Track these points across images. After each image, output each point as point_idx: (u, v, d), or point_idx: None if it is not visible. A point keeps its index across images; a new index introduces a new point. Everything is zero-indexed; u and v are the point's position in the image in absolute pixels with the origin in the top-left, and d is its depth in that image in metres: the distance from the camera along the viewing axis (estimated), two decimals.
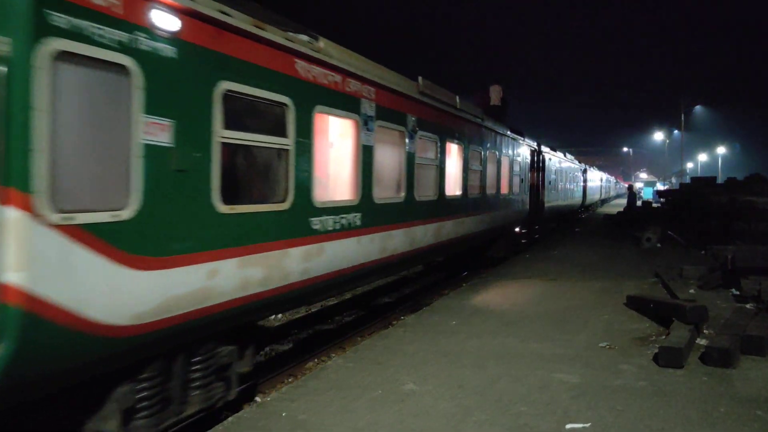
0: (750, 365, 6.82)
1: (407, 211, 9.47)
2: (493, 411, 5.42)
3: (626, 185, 60.21)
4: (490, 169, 14.64)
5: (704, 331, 8.07)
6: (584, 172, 41.11)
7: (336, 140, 8.21)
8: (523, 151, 18.92)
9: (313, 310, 11.90)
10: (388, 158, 9.09)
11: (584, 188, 40.81)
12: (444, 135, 11.21)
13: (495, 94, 21.96)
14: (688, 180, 42.09)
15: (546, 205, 23.30)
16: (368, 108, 8.14)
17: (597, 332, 8.26)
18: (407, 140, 9.51)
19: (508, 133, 17.09)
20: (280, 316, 11.06)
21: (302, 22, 7.03)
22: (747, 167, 51.65)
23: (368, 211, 8.03)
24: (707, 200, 20.13)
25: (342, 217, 7.34)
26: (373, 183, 8.28)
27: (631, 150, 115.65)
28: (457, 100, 12.18)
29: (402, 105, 9.28)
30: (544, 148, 23.19)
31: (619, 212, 32.72)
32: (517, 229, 18.96)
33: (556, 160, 26.46)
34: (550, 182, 24.31)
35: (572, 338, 7.93)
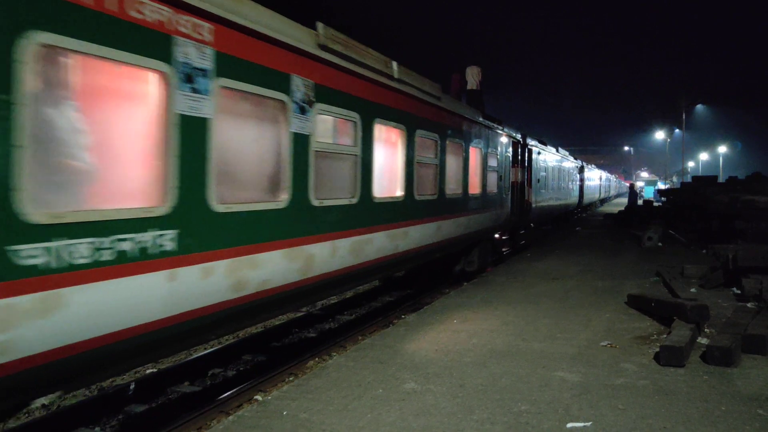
0: (751, 364, 6.81)
1: (298, 220, 6.60)
2: (495, 410, 5.42)
3: (627, 184, 60.07)
4: (452, 163, 11.78)
5: (705, 330, 8.06)
6: (581, 170, 38.39)
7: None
8: (502, 142, 15.95)
9: (314, 310, 11.91)
10: (246, 142, 6.22)
11: (581, 187, 38.14)
12: (369, 113, 8.27)
13: (473, 76, 18.14)
14: (689, 179, 42.09)
15: (534, 205, 20.94)
16: (193, 53, 5.06)
17: (598, 331, 8.26)
18: (292, 116, 6.47)
19: (480, 119, 13.87)
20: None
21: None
22: (748, 166, 51.70)
23: (195, 224, 5.07)
24: (708, 199, 20.10)
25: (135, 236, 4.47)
26: (201, 179, 5.19)
27: (632, 149, 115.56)
28: (395, 67, 9.17)
29: (281, 60, 6.29)
30: (530, 141, 20.17)
31: (620, 211, 32.69)
32: (497, 235, 16.53)
33: (546, 155, 23.67)
34: (538, 180, 21.71)
35: (573, 337, 7.93)
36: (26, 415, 6.73)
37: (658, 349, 6.94)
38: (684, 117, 57.58)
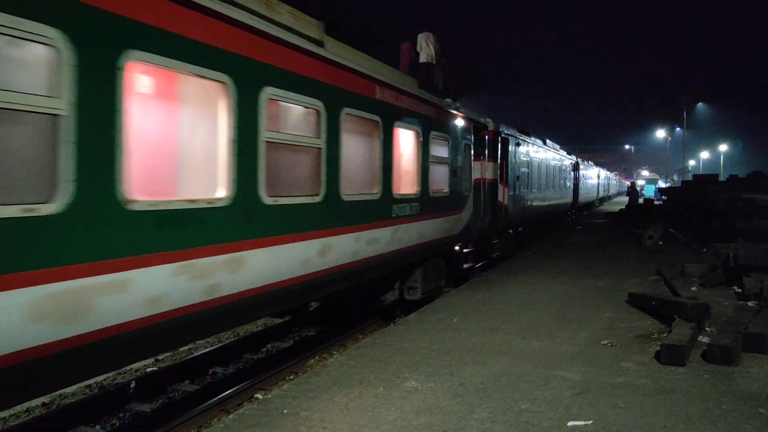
0: (752, 363, 6.81)
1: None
2: (495, 408, 5.42)
3: (628, 183, 59.97)
4: (356, 150, 8.35)
5: (706, 328, 8.06)
6: (575, 167, 34.13)
7: None
8: (458, 127, 12.24)
9: (313, 308, 11.91)
10: None
11: (576, 186, 34.08)
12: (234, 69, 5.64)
13: (427, 44, 13.92)
14: (690, 177, 42.01)
15: (513, 207, 17.08)
16: None
17: (599, 330, 8.26)
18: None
19: (419, 93, 10.25)
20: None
21: None
22: (749, 164, 51.67)
23: None
24: (709, 198, 20.10)
25: None
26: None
27: (633, 147, 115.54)
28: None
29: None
30: (506, 130, 16.40)
31: (620, 210, 32.68)
32: (457, 248, 12.73)
33: (529, 147, 19.77)
34: (518, 177, 17.95)
35: (574, 336, 7.93)
36: (26, 413, 6.74)
37: (658, 348, 6.93)
38: (685, 115, 57.55)
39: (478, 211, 13.73)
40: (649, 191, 60.66)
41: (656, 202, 35.22)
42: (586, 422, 5.10)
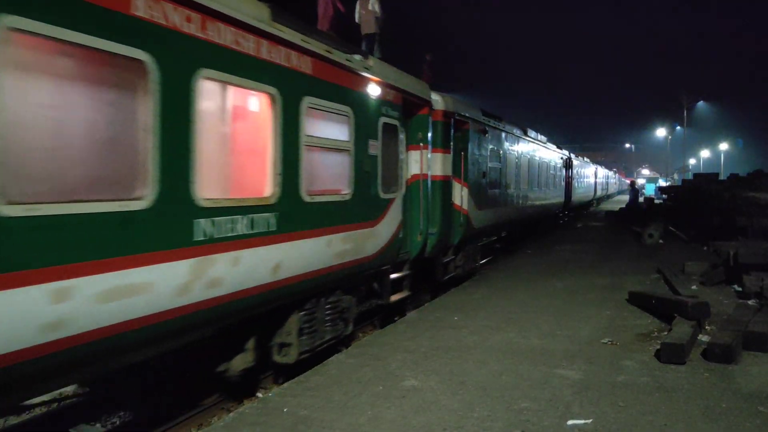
0: (752, 361, 6.81)
1: None
2: (495, 407, 5.42)
3: (628, 181, 59.87)
4: (108, 121, 4.60)
5: (706, 327, 8.06)
6: (568, 163, 29.47)
7: None
8: (375, 101, 8.40)
9: None
10: None
11: (568, 184, 29.21)
12: None
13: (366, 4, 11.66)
14: (690, 176, 41.95)
15: (478, 212, 13.10)
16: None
17: (599, 328, 8.25)
18: None
19: (269, 27, 6.14)
20: None
21: None
22: (749, 163, 51.60)
23: None
24: (709, 196, 20.08)
25: None
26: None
27: (633, 146, 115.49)
28: None
29: None
30: (463, 111, 12.15)
31: (621, 208, 32.66)
32: (395, 275, 9.46)
33: (501, 137, 15.48)
34: (485, 174, 13.79)
35: (574, 334, 7.93)
36: (27, 412, 6.74)
37: (659, 347, 6.93)
38: (685, 114, 57.50)
39: (416, 219, 9.82)
40: (650, 190, 60.59)
41: (656, 201, 35.18)
42: (586, 421, 5.09)
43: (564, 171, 28.34)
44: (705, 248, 16.53)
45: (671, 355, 6.64)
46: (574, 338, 7.74)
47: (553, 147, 25.39)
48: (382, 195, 8.57)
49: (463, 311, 9.34)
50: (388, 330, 8.43)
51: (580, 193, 36.27)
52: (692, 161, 79.20)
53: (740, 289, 10.49)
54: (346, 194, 7.64)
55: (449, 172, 11.36)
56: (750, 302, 9.54)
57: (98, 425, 6.47)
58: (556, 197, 25.89)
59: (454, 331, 8.10)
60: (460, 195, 12.08)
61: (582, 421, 5.08)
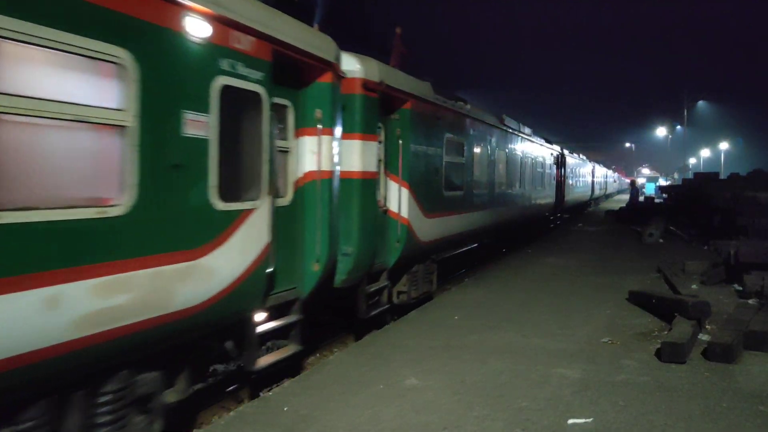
0: (752, 361, 6.80)
1: None
2: (495, 406, 5.42)
3: (629, 180, 59.83)
4: None
5: (707, 326, 8.05)
6: (560, 160, 26.43)
7: None
8: (203, 52, 4.99)
9: None
10: None
11: (560, 184, 26.30)
12: None
13: None
14: (690, 175, 41.90)
15: (425, 222, 9.92)
16: None
17: (599, 327, 8.25)
18: None
19: None
20: None
21: None
22: (750, 162, 51.52)
23: None
24: (710, 196, 20.08)
25: None
26: None
27: (633, 145, 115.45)
28: None
29: None
30: (395, 85, 8.85)
31: (621, 208, 32.68)
32: (269, 324, 6.18)
33: (465, 125, 12.27)
34: (438, 171, 10.69)
35: (574, 333, 7.92)
36: None
37: (659, 346, 6.93)
38: (686, 113, 57.48)
39: (310, 238, 6.82)
40: (650, 189, 60.57)
41: (657, 200, 35.19)
42: (586, 420, 5.09)
43: (556, 169, 25.35)
44: (705, 247, 16.53)
45: (671, 354, 6.64)
46: (574, 337, 7.73)
47: (541, 141, 22.38)
48: (220, 206, 5.08)
49: (463, 310, 9.33)
50: (388, 329, 8.42)
51: (575, 194, 33.26)
52: (692, 160, 79.16)
53: (741, 288, 10.48)
54: (114, 206, 4.20)
55: (375, 168, 8.26)
56: (750, 301, 9.53)
57: None
58: (546, 198, 22.95)
59: (454, 330, 8.09)
60: (397, 199, 9.03)
61: (582, 421, 5.08)
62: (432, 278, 10.87)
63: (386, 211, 8.96)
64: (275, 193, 6.12)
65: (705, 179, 25.94)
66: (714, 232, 17.54)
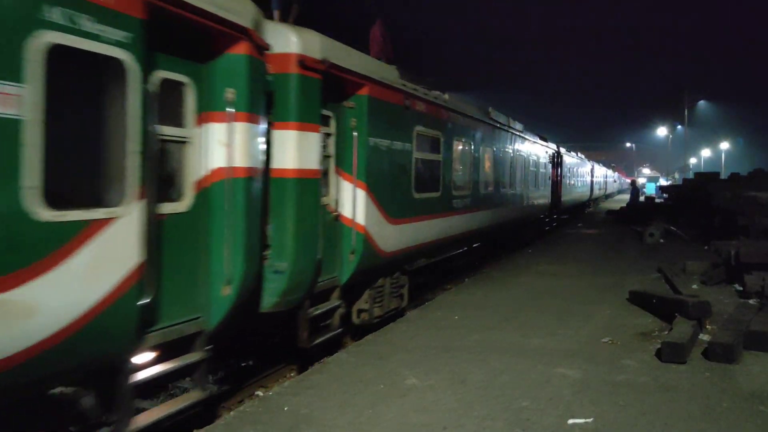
0: (753, 361, 6.80)
1: None
2: (495, 406, 5.42)
3: (629, 180, 59.82)
4: None
5: (707, 326, 8.05)
6: (556, 159, 24.99)
7: None
8: None
9: None
10: None
11: (555, 183, 24.91)
12: None
13: None
14: (691, 175, 41.86)
15: (387, 230, 8.45)
16: None
17: (599, 327, 8.25)
18: None
19: None
20: None
21: None
22: (750, 162, 51.54)
23: None
24: (710, 196, 20.07)
25: None
26: None
27: (634, 145, 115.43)
28: None
29: None
30: (324, 50, 6.66)
31: (621, 208, 32.67)
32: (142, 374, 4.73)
33: (440, 116, 10.69)
34: (403, 168, 9.12)
35: (574, 333, 7.92)
36: None
37: (659, 346, 6.93)
38: (686, 113, 57.47)
39: (217, 255, 5.38)
40: (650, 189, 60.56)
41: (657, 200, 35.17)
42: (587, 420, 5.09)
43: (551, 168, 24.05)
44: (706, 247, 16.51)
45: (672, 354, 6.64)
46: (574, 337, 7.73)
47: (535, 138, 20.69)
48: (46, 215, 3.69)
49: (463, 310, 9.33)
50: (388, 329, 8.42)
51: (572, 194, 31.59)
52: (693, 160, 79.15)
53: (741, 288, 10.48)
54: None
55: (317, 165, 6.66)
56: (751, 301, 9.53)
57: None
58: (540, 199, 21.40)
59: (454, 330, 8.09)
60: (351, 201, 7.62)
61: (582, 420, 5.08)
62: (402, 292, 9.47)
63: (338, 217, 7.50)
64: (156, 196, 4.64)
65: (706, 179, 25.91)
66: (714, 232, 17.53)
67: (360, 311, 8.36)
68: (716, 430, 4.94)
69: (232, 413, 5.50)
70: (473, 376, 6.21)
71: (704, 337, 7.54)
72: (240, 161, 5.36)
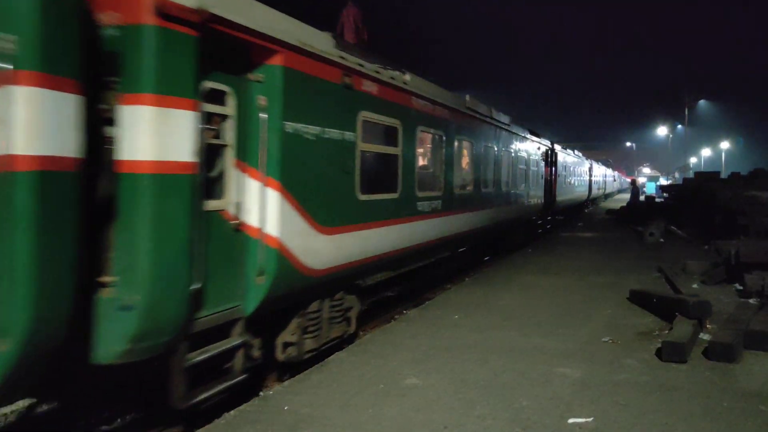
0: (753, 360, 6.80)
1: None
2: (496, 405, 5.42)
3: (629, 180, 59.81)
4: None
5: (707, 326, 8.05)
6: (550, 156, 23.40)
7: None
8: None
9: None
10: None
11: (550, 183, 23.58)
12: None
13: None
14: (691, 175, 41.85)
15: (318, 243, 6.59)
16: None
17: (600, 327, 8.25)
18: None
19: None
20: None
21: None
22: (750, 162, 51.53)
23: None
24: (710, 195, 20.07)
25: None
26: None
27: (634, 145, 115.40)
28: None
29: None
30: (263, 22, 5.53)
31: (621, 207, 32.66)
32: None
33: (382, 95, 8.15)
34: (344, 163, 7.20)
35: (575, 333, 7.92)
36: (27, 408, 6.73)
37: (659, 345, 6.92)
38: (687, 113, 57.47)
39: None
40: (651, 189, 60.55)
41: (657, 200, 35.15)
42: (587, 419, 5.09)
43: (545, 166, 22.33)
44: (706, 247, 16.51)
45: (672, 353, 6.64)
46: (575, 337, 7.73)
47: (524, 133, 18.88)
48: None
49: (463, 310, 9.33)
50: (388, 328, 8.42)
51: (568, 194, 29.71)
52: (693, 160, 79.17)
53: (741, 287, 10.48)
54: None
55: (194, 156, 4.80)
56: (751, 301, 9.54)
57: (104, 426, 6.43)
58: (533, 199, 19.93)
59: (455, 330, 8.09)
60: (258, 206, 5.77)
61: (582, 420, 5.08)
62: (350, 315, 7.87)
63: (239, 227, 5.65)
64: None
65: (706, 179, 25.92)
66: (715, 231, 17.52)
67: (286, 345, 6.62)
68: (716, 429, 4.94)
69: (232, 412, 5.49)
70: (474, 376, 6.21)
71: (704, 336, 7.55)
72: (23, 148, 3.70)
